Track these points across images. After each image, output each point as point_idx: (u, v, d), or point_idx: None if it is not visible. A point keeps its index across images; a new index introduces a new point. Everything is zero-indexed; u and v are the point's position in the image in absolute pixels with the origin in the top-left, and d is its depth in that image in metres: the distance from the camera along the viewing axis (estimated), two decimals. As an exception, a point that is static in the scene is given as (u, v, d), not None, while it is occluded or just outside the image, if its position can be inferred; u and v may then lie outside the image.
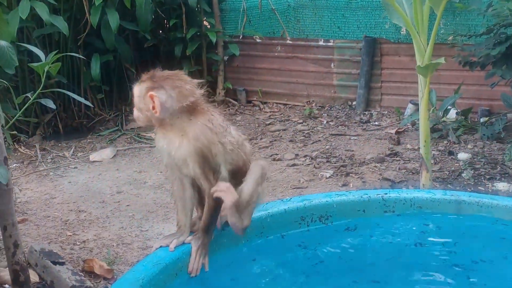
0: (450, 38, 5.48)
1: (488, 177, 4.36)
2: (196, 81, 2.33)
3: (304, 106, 6.48)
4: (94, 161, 5.19)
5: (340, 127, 5.82)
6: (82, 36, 5.83)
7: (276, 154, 5.16)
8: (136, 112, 2.34)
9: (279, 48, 6.64)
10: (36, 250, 3.16)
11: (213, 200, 2.29)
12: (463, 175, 4.39)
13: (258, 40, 6.71)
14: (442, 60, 3.54)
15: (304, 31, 6.44)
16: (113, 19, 5.60)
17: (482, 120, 5.41)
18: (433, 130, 5.12)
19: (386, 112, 6.11)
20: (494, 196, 2.86)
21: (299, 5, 6.39)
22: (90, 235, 3.70)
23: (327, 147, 5.25)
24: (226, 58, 6.83)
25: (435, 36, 3.75)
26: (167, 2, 6.43)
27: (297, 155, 5.09)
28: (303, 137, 5.57)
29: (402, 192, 2.87)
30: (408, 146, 5.15)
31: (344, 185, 4.39)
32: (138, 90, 2.30)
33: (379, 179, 4.46)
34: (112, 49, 5.96)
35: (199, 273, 2.33)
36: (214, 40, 6.45)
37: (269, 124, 6.07)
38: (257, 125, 6.08)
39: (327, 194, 2.88)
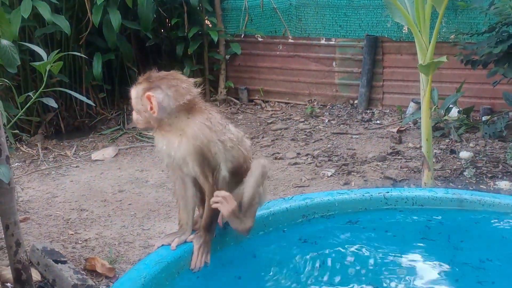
0: (452, 36, 5.48)
1: (490, 175, 4.35)
2: (192, 80, 2.34)
3: (306, 105, 6.48)
4: (96, 160, 5.19)
5: (342, 125, 5.82)
6: (84, 35, 5.83)
7: (278, 152, 5.16)
8: (135, 115, 2.35)
9: (280, 47, 6.64)
10: (38, 249, 3.16)
11: (211, 197, 2.31)
12: (465, 173, 4.38)
13: (259, 39, 6.71)
14: (444, 58, 3.53)
15: (306, 30, 6.44)
16: (115, 18, 5.60)
17: (484, 118, 5.40)
18: (435, 128, 5.12)
19: (388, 111, 6.10)
20: (495, 195, 2.86)
21: (300, 4, 6.38)
22: (92, 233, 3.70)
23: (328, 145, 5.25)
24: (227, 57, 6.83)
25: (437, 35, 3.75)
26: (168, 1, 6.43)
27: (298, 153, 5.09)
28: (304, 136, 5.57)
29: (404, 190, 2.88)
30: (410, 144, 5.15)
31: (345, 183, 4.38)
32: (135, 92, 2.31)
33: (380, 177, 4.46)
34: (114, 48, 5.97)
35: (201, 269, 2.34)
36: (215, 39, 6.45)
37: (271, 123, 6.07)
38: (258, 124, 6.08)
39: (329, 192, 2.89)
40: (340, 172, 4.60)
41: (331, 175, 4.55)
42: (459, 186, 4.16)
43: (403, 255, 2.69)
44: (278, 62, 6.67)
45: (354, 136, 5.47)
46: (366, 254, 2.68)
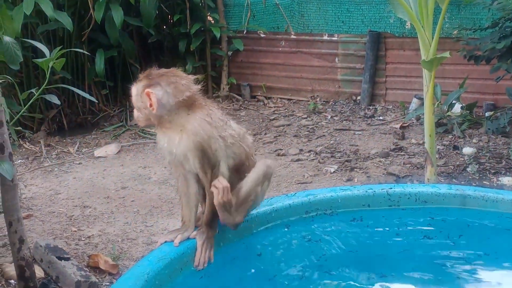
0: (455, 32, 5.46)
1: (493, 171, 4.34)
2: (192, 76, 2.34)
3: (309, 101, 6.47)
4: (98, 157, 5.20)
5: (344, 122, 5.81)
6: (86, 32, 5.83)
7: (281, 149, 5.16)
8: (136, 113, 2.36)
9: (283, 43, 6.63)
10: (41, 246, 3.17)
11: (211, 194, 2.31)
12: (468, 169, 4.38)
13: (262, 35, 6.70)
14: (447, 54, 3.52)
15: (308, 26, 6.43)
16: (117, 15, 5.60)
17: (487, 114, 5.39)
18: (438, 124, 5.11)
19: (390, 107, 6.09)
20: (499, 191, 2.86)
21: (303, 0, 6.37)
22: (95, 230, 3.71)
23: (331, 142, 5.25)
24: (230, 53, 6.83)
25: (440, 30, 3.73)
26: (171, -2, 6.43)
27: (301, 150, 5.09)
28: (307, 132, 5.56)
29: (407, 186, 2.87)
30: (413, 140, 5.14)
31: (348, 180, 4.38)
32: (135, 89, 2.32)
33: (383, 174, 4.45)
34: (116, 44, 5.97)
35: (206, 266, 2.34)
36: (218, 35, 6.45)
37: (274, 119, 6.07)
38: (261, 120, 6.07)
39: (332, 188, 2.88)
40: (343, 169, 4.60)
41: (334, 172, 4.55)
42: (462, 182, 4.15)
43: (406, 253, 2.69)
44: (281, 58, 6.66)
45: (357, 132, 5.47)
46: (370, 253, 2.68)
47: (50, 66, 2.99)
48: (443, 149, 4.86)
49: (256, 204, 2.48)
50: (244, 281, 2.47)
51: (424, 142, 4.03)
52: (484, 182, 4.19)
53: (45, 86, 3.04)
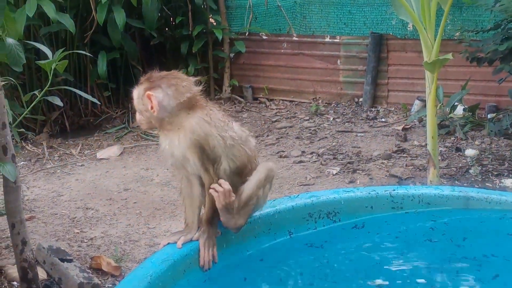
0: (457, 34, 5.46)
1: (495, 173, 4.34)
2: (193, 78, 2.35)
3: (311, 103, 6.47)
4: (101, 159, 5.20)
5: (346, 123, 5.81)
6: (88, 34, 5.84)
7: (283, 151, 5.15)
8: (138, 115, 2.37)
9: (285, 45, 6.63)
10: (44, 247, 3.17)
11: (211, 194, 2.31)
12: (471, 171, 4.37)
13: (264, 37, 6.71)
14: (449, 56, 3.53)
15: (311, 28, 6.43)
16: (120, 17, 5.60)
17: (489, 116, 5.39)
18: (440, 126, 5.10)
19: (393, 109, 6.09)
20: (502, 192, 2.85)
21: (305, 2, 6.37)
22: (98, 232, 3.71)
23: (333, 144, 5.24)
24: (232, 55, 6.83)
25: (442, 32, 3.73)
26: (173, 0, 6.43)
27: (303, 152, 5.09)
28: (309, 134, 5.56)
29: (410, 188, 2.86)
30: (415, 142, 5.13)
31: (351, 182, 4.38)
32: (136, 92, 2.35)
33: (386, 175, 4.45)
34: (118, 46, 5.97)
35: (211, 266, 2.34)
36: (220, 37, 6.45)
37: (276, 121, 6.07)
38: (263, 122, 6.07)
39: (335, 190, 2.87)
40: (345, 170, 4.59)
41: (336, 173, 4.55)
42: (464, 184, 4.14)
43: (409, 257, 2.68)
44: (283, 60, 6.66)
45: (359, 134, 5.46)
46: (373, 257, 2.67)
47: (52, 68, 2.99)
48: (445, 151, 4.85)
49: (258, 207, 2.48)
50: (246, 286, 2.46)
51: (426, 144, 4.03)
52: (486, 184, 4.18)
53: (48, 88, 3.05)
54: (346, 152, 5.00)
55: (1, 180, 2.71)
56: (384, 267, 2.62)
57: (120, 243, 3.54)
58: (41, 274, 3.00)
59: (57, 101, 3.09)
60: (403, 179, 4.34)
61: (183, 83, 2.30)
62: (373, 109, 6.12)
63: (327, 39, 6.37)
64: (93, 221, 3.89)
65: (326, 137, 5.45)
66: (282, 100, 6.70)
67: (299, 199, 2.75)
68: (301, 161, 4.86)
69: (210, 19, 6.66)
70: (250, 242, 2.54)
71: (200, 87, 2.34)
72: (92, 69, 6.06)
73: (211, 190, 2.29)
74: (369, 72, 6.11)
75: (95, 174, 4.82)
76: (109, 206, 4.14)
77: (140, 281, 2.13)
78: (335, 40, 6.33)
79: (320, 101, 6.47)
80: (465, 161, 4.62)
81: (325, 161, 4.82)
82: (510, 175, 4.29)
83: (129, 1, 5.63)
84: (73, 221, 3.90)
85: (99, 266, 3.18)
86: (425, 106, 4.62)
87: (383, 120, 5.84)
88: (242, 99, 6.78)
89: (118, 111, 6.29)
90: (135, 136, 5.75)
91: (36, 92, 3.09)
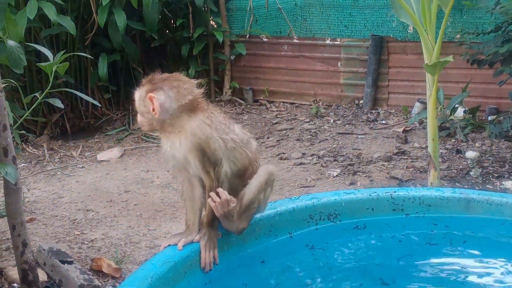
0: (458, 36, 5.46)
1: (496, 175, 4.33)
2: (195, 81, 2.35)
3: (311, 105, 6.47)
4: (101, 161, 5.20)
5: (347, 126, 5.81)
6: (89, 36, 5.84)
7: (283, 153, 5.15)
8: (139, 118, 2.38)
9: (285, 47, 6.64)
10: (44, 249, 3.16)
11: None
12: (471, 173, 4.37)
13: (264, 39, 6.71)
14: (450, 58, 3.53)
15: (311, 30, 6.43)
16: (120, 19, 5.61)
17: (490, 118, 5.39)
18: (440, 128, 5.10)
19: (393, 111, 6.09)
20: (503, 194, 2.85)
21: (306, 4, 6.38)
22: (98, 234, 3.71)
23: (334, 146, 5.24)
24: (232, 57, 6.83)
25: (443, 34, 3.73)
26: (173, 2, 6.44)
27: (304, 154, 5.09)
28: (310, 136, 5.56)
29: (411, 190, 2.86)
30: (416, 144, 5.13)
31: (351, 184, 4.37)
32: (138, 94, 2.35)
33: (386, 177, 4.44)
34: (119, 49, 5.98)
35: (212, 268, 2.34)
36: (220, 39, 6.45)
37: (276, 123, 6.07)
38: (264, 124, 6.07)
39: (336, 192, 2.88)
40: (345, 172, 4.59)
41: (336, 175, 4.54)
42: (465, 186, 4.14)
43: (411, 260, 2.68)
44: (283, 63, 6.67)
45: (359, 136, 5.46)
46: (374, 259, 2.67)
47: (53, 70, 2.99)
48: (446, 153, 4.85)
49: (259, 210, 2.48)
50: (248, 287, 2.47)
51: (427, 146, 4.03)
52: (487, 186, 4.18)
53: (49, 90, 3.05)
54: (346, 154, 5.00)
55: (2, 182, 2.71)
56: (385, 268, 2.62)
57: (121, 245, 3.54)
58: (42, 276, 3.00)
59: (57, 103, 3.09)
60: (404, 181, 4.34)
61: (185, 85, 2.30)
62: (373, 111, 6.12)
63: (328, 42, 6.37)
64: (93, 223, 3.89)
65: (326, 139, 5.45)
66: (283, 102, 6.70)
67: (300, 201, 2.75)
68: (301, 163, 4.86)
69: (211, 21, 6.66)
70: (251, 244, 2.54)
71: (202, 90, 2.34)
72: (93, 71, 6.06)
73: (209, 200, 2.30)
74: (370, 74, 6.11)
75: (95, 176, 4.82)
76: (109, 208, 4.14)
77: (141, 283, 2.13)
78: (336, 43, 6.33)
79: (320, 103, 6.48)
80: (465, 163, 4.61)
81: (325, 163, 4.82)
82: (511, 177, 4.29)
83: (130, 3, 5.64)
84: (74, 223, 3.90)
85: (100, 268, 3.18)
86: (425, 108, 4.62)
87: (383, 122, 5.84)
88: (242, 101, 6.78)
89: (118, 113, 6.29)
90: (136, 138, 5.75)
91: (37, 94, 3.09)
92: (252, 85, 6.83)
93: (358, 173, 4.57)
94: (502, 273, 2.58)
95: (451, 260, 2.67)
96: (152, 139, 5.63)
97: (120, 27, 5.61)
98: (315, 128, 5.78)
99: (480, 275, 2.56)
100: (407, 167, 4.60)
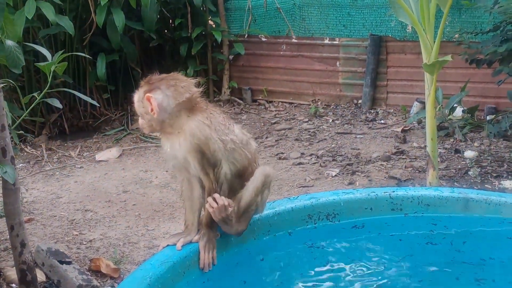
0: (457, 35, 5.46)
1: (495, 175, 4.33)
2: (193, 79, 2.36)
3: (310, 104, 6.47)
4: (100, 161, 5.19)
5: (346, 125, 5.81)
6: (87, 36, 5.84)
7: (282, 152, 5.15)
8: (140, 120, 2.38)
9: (284, 47, 6.64)
10: (43, 250, 3.16)
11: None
12: (470, 173, 4.37)
13: (263, 39, 6.71)
14: (448, 57, 3.52)
15: (310, 30, 6.43)
16: (119, 19, 5.60)
17: (488, 118, 5.39)
18: (439, 128, 5.10)
19: (392, 111, 6.09)
20: (502, 194, 2.85)
21: (304, 4, 6.38)
22: (97, 234, 3.70)
23: (333, 145, 5.24)
24: (231, 57, 6.83)
25: (442, 34, 3.73)
26: (172, 2, 6.43)
27: (302, 153, 5.08)
28: (308, 136, 5.56)
29: (410, 190, 2.86)
30: (414, 144, 5.13)
31: (350, 183, 4.37)
32: (137, 95, 2.37)
33: (385, 177, 4.44)
34: (117, 48, 5.97)
35: (211, 268, 2.34)
36: (219, 39, 6.45)
37: (275, 123, 6.07)
38: (262, 124, 6.07)
39: (335, 192, 2.88)
40: (344, 172, 4.59)
41: (335, 175, 4.54)
42: (464, 186, 4.14)
43: (408, 260, 2.68)
44: (282, 62, 6.67)
45: (358, 136, 5.46)
46: (372, 259, 2.66)
47: (51, 70, 2.99)
48: (444, 152, 4.85)
49: (258, 212, 2.49)
50: (247, 286, 2.46)
51: (425, 146, 4.03)
52: (486, 185, 4.18)
53: (47, 90, 3.04)
54: (345, 153, 5.00)
55: (0, 182, 2.71)
56: (384, 268, 2.62)
57: (119, 245, 3.54)
58: (40, 276, 2.99)
59: (56, 103, 3.08)
60: (402, 180, 4.34)
61: (182, 84, 2.31)
62: (372, 111, 6.12)
63: (326, 41, 6.37)
64: (92, 223, 3.89)
65: (325, 139, 5.44)
66: (281, 102, 6.70)
67: (299, 200, 2.75)
68: (300, 163, 4.86)
69: (209, 21, 6.66)
70: (250, 244, 2.54)
71: (200, 88, 2.34)
72: (91, 71, 6.06)
73: (206, 205, 2.30)
74: (368, 74, 6.11)
75: (94, 176, 4.81)
76: (108, 208, 4.14)
77: (139, 283, 2.13)
78: (334, 42, 6.33)
79: (319, 103, 6.48)
80: (464, 162, 4.62)
81: (324, 163, 4.82)
82: (509, 177, 4.29)
83: (129, 3, 5.63)
84: (72, 223, 3.89)
85: (98, 268, 3.17)
86: (424, 108, 4.62)
87: (382, 122, 5.84)
88: (241, 101, 6.78)
89: (117, 113, 6.29)
90: (134, 138, 5.75)
91: (35, 94, 3.08)
92: (251, 84, 6.83)
93: (356, 173, 4.57)
94: (501, 273, 2.58)
95: (451, 260, 2.67)
96: (151, 139, 5.62)
97: (119, 27, 5.61)
98: (314, 128, 5.78)
99: (480, 275, 2.56)
100: (405, 167, 4.60)
